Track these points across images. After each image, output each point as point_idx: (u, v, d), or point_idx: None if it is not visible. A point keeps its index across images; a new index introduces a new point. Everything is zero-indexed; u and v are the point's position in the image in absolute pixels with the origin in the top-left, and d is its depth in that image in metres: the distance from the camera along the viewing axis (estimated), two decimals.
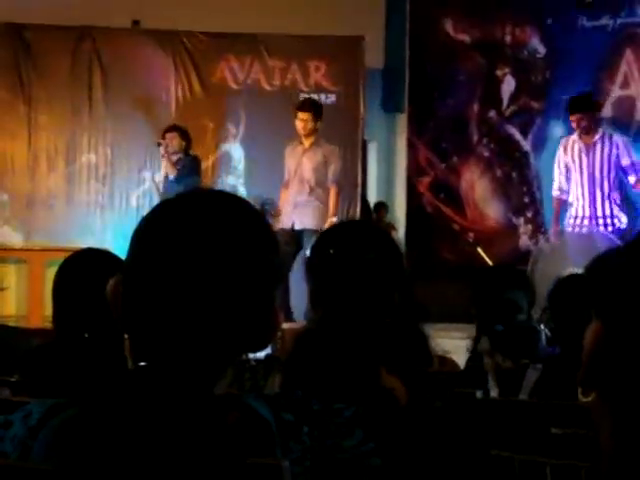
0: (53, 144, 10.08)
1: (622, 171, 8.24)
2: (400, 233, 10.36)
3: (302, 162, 8.70)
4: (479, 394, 2.89)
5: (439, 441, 2.49)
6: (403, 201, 10.73)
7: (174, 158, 9.23)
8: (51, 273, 3.09)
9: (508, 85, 10.29)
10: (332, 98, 10.25)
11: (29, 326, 7.63)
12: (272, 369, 2.72)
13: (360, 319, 2.66)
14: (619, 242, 7.59)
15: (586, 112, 8.31)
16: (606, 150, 8.24)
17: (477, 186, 10.45)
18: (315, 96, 10.17)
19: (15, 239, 9.82)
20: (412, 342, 2.81)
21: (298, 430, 1.48)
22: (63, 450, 1.45)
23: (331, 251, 2.68)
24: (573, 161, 8.38)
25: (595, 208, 8.28)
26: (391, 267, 2.76)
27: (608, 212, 8.24)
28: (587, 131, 8.32)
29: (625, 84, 9.81)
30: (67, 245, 7.86)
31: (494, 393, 3.91)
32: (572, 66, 9.88)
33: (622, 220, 8.22)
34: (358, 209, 10.05)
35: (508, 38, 10.35)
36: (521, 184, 10.42)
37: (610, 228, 8.22)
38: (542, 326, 4.15)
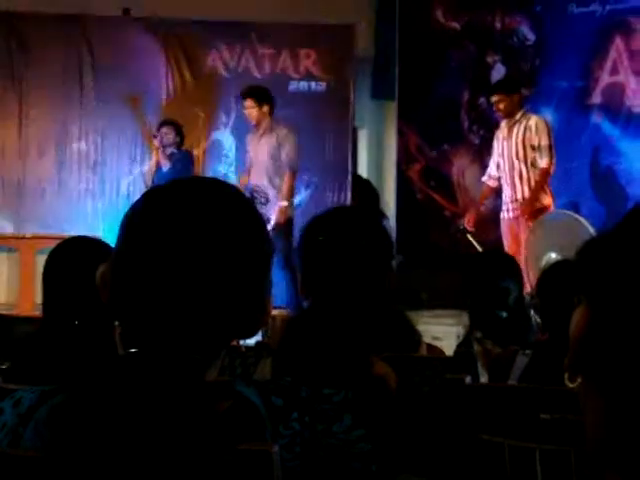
0: (44, 132, 10.05)
1: (537, 152, 8.22)
2: (391, 220, 10.35)
3: (257, 149, 8.74)
4: (468, 379, 2.90)
5: (428, 426, 2.50)
6: (393, 188, 10.72)
7: (168, 151, 9.26)
8: (42, 261, 3.09)
9: (498, 72, 10.29)
10: (322, 86, 10.25)
11: (20, 314, 7.63)
12: (262, 356, 2.73)
13: (350, 306, 2.66)
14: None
15: (503, 93, 8.32)
16: (520, 133, 8.25)
17: (467, 173, 10.46)
18: (305, 84, 10.17)
19: (6, 227, 9.81)
20: (399, 327, 2.82)
21: (287, 415, 1.48)
22: (54, 437, 1.45)
23: (320, 238, 2.68)
24: (498, 147, 8.45)
25: (515, 192, 8.31)
26: (381, 254, 2.77)
27: (527, 195, 8.24)
28: (506, 114, 8.33)
29: (614, 71, 9.81)
30: (58, 233, 7.85)
31: (483, 379, 3.93)
32: (561, 53, 9.87)
33: (544, 202, 8.21)
34: (349, 196, 10.05)
35: (498, 25, 10.34)
36: None
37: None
38: (532, 312, 4.17)
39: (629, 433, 1.02)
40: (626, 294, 1.01)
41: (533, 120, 8.28)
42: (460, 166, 10.52)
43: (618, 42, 9.75)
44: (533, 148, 8.20)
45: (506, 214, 8.42)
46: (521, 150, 8.24)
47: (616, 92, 9.78)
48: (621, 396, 1.02)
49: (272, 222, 8.30)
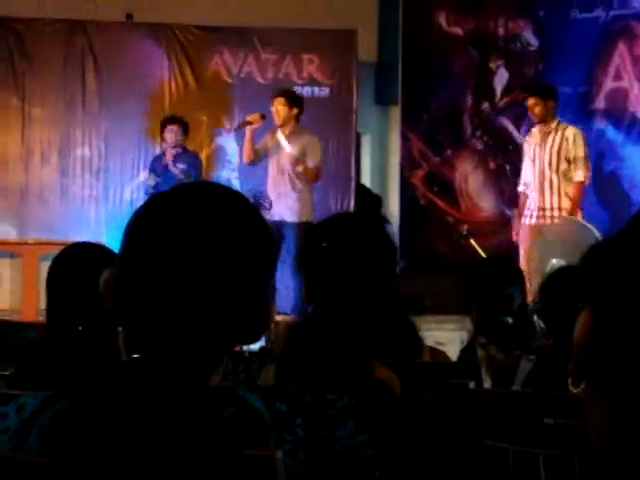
0: (47, 138, 10.06)
1: (571, 165, 8.19)
2: (394, 226, 10.36)
3: (279, 152, 8.68)
4: (472, 385, 2.90)
5: (432, 432, 2.49)
6: (397, 194, 10.72)
7: (173, 152, 9.15)
8: (45, 267, 3.09)
9: (501, 77, 10.29)
10: (325, 91, 10.26)
11: (23, 320, 7.63)
12: (266, 361, 2.73)
13: (353, 311, 2.66)
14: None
15: (539, 97, 8.29)
16: (556, 144, 8.22)
17: (470, 178, 10.45)
18: (309, 89, 10.17)
19: (9, 233, 9.81)
20: (402, 333, 2.82)
21: (291, 421, 1.48)
22: (57, 442, 1.45)
23: (324, 244, 2.68)
24: (529, 154, 8.41)
25: (544, 200, 8.28)
26: (384, 259, 2.76)
27: (556, 204, 8.22)
28: (540, 119, 8.30)
29: (618, 76, 9.82)
30: (61, 239, 7.85)
31: (487, 384, 3.92)
32: (565, 58, 9.88)
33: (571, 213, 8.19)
34: (352, 202, 10.05)
35: (501, 30, 10.35)
36: (514, 176, 10.41)
37: (556, 220, 8.22)
38: (536, 318, 4.16)
39: (633, 438, 1.02)
40: (629, 300, 1.01)
41: (570, 131, 8.25)
42: (463, 172, 10.52)
43: (621, 47, 9.76)
44: (568, 160, 8.17)
45: (528, 220, 8.36)
46: (555, 160, 8.20)
47: (619, 97, 9.79)
48: (625, 401, 1.02)
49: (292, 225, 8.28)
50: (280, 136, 8.63)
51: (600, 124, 9.81)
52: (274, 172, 8.68)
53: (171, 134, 9.11)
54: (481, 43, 10.38)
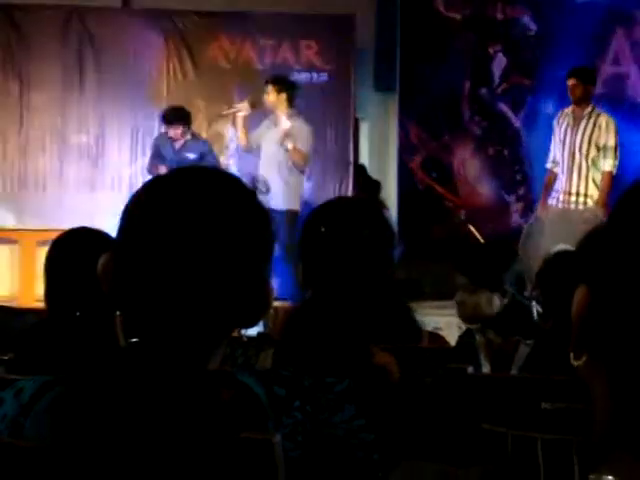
0: (45, 124, 10.04)
1: (600, 152, 8.17)
2: (392, 211, 10.35)
3: (267, 136, 8.68)
4: (470, 369, 2.90)
5: (431, 416, 2.49)
6: (395, 179, 10.72)
7: (181, 142, 9.15)
8: (43, 253, 3.09)
9: (499, 62, 10.28)
10: (324, 77, 10.23)
11: (22, 306, 7.63)
12: (264, 347, 2.73)
13: (352, 296, 2.66)
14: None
15: (582, 80, 8.25)
16: (589, 129, 8.21)
17: (469, 164, 10.45)
18: (307, 75, 10.15)
19: (7, 219, 9.80)
20: (400, 318, 2.82)
21: (290, 405, 1.48)
22: (56, 427, 1.45)
23: (322, 229, 2.68)
24: (560, 134, 8.38)
25: (571, 184, 8.26)
26: (383, 245, 2.76)
27: (583, 190, 8.20)
28: (579, 101, 8.26)
29: (616, 61, 9.81)
30: (59, 225, 7.84)
31: (486, 369, 3.93)
32: (563, 43, 9.86)
33: (596, 199, 8.17)
34: (350, 187, 10.04)
35: (499, 16, 10.33)
36: (512, 162, 10.42)
37: (581, 206, 8.20)
38: (534, 303, 4.17)
39: (634, 408, 1.03)
40: (623, 274, 1.02)
41: (604, 118, 8.22)
42: (461, 157, 10.52)
43: (620, 33, 9.75)
44: (598, 148, 8.16)
45: (554, 202, 8.34)
46: (586, 145, 8.18)
47: (618, 83, 9.78)
48: (624, 371, 1.03)
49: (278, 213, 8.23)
50: (271, 121, 8.63)
51: (599, 109, 9.79)
52: (264, 159, 8.70)
53: (176, 131, 9.11)
54: (479, 28, 10.36)
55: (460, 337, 4.28)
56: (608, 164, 8.13)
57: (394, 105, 10.71)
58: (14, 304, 7.94)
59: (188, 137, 9.17)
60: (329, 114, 10.03)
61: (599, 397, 1.08)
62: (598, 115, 8.24)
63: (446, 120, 10.48)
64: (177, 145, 9.14)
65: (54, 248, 2.99)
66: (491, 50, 10.36)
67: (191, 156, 9.03)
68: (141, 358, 1.47)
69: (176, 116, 9.17)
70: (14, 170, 9.98)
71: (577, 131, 8.21)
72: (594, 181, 8.17)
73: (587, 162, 8.16)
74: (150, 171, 9.16)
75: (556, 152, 8.43)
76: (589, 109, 8.26)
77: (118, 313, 1.53)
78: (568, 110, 8.38)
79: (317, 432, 1.49)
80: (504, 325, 4.13)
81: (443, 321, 7.26)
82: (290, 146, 8.49)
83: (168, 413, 1.43)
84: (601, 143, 8.14)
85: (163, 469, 1.42)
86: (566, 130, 8.29)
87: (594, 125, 8.18)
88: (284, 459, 1.44)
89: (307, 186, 9.97)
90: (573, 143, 8.22)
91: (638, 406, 1.04)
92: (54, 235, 3.11)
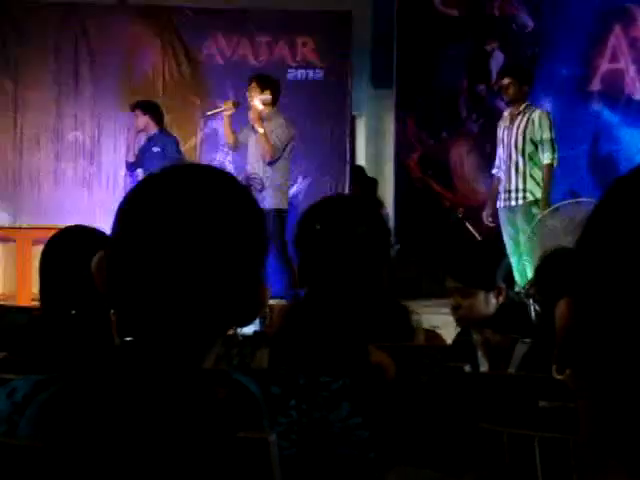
0: (40, 121, 10.03)
1: (537, 147, 8.15)
2: (389, 209, 10.35)
3: (252, 138, 8.69)
4: (467, 368, 2.89)
5: (428, 415, 2.49)
6: (391, 177, 10.71)
7: (145, 137, 9.21)
8: (38, 251, 3.08)
9: (497, 59, 10.27)
10: (320, 74, 10.22)
11: (17, 304, 7.62)
12: (259, 345, 2.72)
13: (347, 294, 2.65)
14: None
15: (517, 79, 8.24)
16: (522, 125, 8.19)
17: (466, 161, 10.44)
18: (303, 72, 10.14)
19: (2, 218, 9.79)
20: (394, 316, 2.81)
21: (285, 403, 1.47)
22: (50, 426, 1.44)
23: (318, 226, 2.67)
24: (499, 137, 8.39)
25: (510, 182, 8.24)
26: (379, 242, 2.75)
27: (521, 186, 8.19)
28: (513, 101, 8.25)
29: (614, 58, 9.81)
30: (54, 223, 7.83)
31: (484, 368, 3.92)
32: (561, 40, 9.86)
33: (536, 195, 8.15)
34: (347, 185, 10.03)
35: (497, 12, 10.32)
36: None
37: (521, 201, 8.19)
38: (530, 301, 4.16)
39: (621, 419, 1.02)
40: (606, 286, 1.01)
41: (536, 114, 8.20)
42: (458, 155, 10.51)
43: (617, 29, 9.75)
44: (534, 143, 8.15)
45: (502, 203, 8.35)
46: (520, 141, 8.18)
47: (616, 79, 9.78)
48: (610, 387, 1.02)
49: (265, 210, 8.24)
50: (253, 119, 8.66)
51: (596, 106, 9.80)
52: (250, 158, 8.73)
53: (138, 120, 9.17)
54: (477, 25, 10.35)
55: (457, 335, 4.27)
56: (547, 157, 8.11)
57: (391, 102, 10.70)
58: (10, 303, 7.93)
59: (155, 130, 9.18)
60: (325, 111, 10.02)
61: (583, 412, 1.07)
62: (533, 111, 8.23)
63: (443, 117, 10.48)
64: (144, 137, 9.19)
65: (49, 246, 2.99)
66: (488, 47, 10.35)
67: (155, 149, 9.07)
68: (135, 357, 1.47)
69: (139, 104, 9.21)
70: (9, 168, 9.97)
71: (512, 129, 8.22)
72: (532, 176, 8.15)
73: (524, 158, 8.15)
74: (127, 166, 9.27)
75: (499, 156, 8.44)
76: (522, 107, 8.24)
77: (113, 312, 1.52)
78: (505, 113, 8.41)
79: (313, 430, 1.48)
80: (501, 323, 4.12)
81: (440, 319, 7.25)
82: (261, 130, 8.52)
83: (163, 412, 1.43)
84: (537, 138, 8.12)
85: (158, 468, 1.41)
86: (504, 131, 8.31)
87: (527, 120, 8.17)
88: (279, 458, 1.43)
89: (303, 183, 9.97)
90: (509, 142, 8.23)
91: (625, 421, 1.03)
92: (50, 233, 3.10)
